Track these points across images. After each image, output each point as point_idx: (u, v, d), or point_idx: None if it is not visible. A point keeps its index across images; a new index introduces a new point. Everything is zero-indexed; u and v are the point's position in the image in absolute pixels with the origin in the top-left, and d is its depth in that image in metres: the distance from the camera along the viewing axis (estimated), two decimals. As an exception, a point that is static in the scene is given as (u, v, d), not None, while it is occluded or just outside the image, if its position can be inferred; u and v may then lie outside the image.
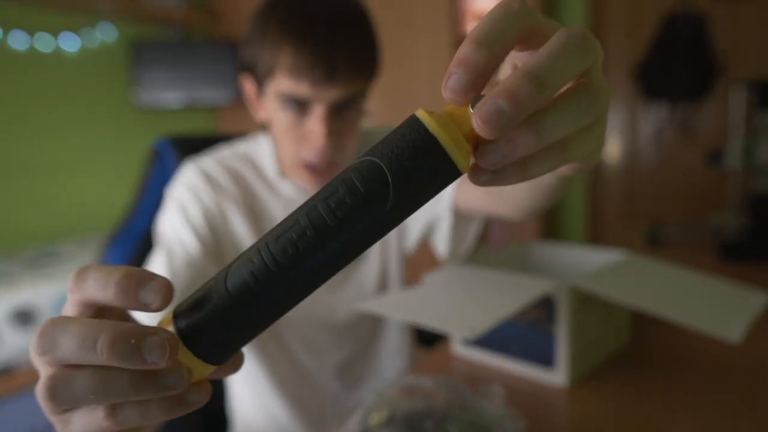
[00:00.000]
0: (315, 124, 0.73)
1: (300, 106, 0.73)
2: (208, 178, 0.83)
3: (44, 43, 2.56)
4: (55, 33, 2.60)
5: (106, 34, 2.79)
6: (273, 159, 0.85)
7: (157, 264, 0.76)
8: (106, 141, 2.83)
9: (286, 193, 0.85)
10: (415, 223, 0.91)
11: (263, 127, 0.86)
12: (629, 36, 3.01)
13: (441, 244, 0.87)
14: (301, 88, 0.70)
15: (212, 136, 1.05)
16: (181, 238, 0.78)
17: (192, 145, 1.00)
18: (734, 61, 2.77)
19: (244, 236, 0.83)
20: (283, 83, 0.72)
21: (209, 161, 0.85)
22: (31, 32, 2.51)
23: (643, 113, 3.06)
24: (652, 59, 2.89)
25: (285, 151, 0.79)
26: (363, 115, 0.80)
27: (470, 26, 2.98)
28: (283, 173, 0.85)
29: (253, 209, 0.85)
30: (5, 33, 2.44)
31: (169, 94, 2.95)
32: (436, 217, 0.87)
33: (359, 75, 0.72)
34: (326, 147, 0.73)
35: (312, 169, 0.77)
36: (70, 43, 2.67)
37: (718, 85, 2.81)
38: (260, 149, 0.88)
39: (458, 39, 2.75)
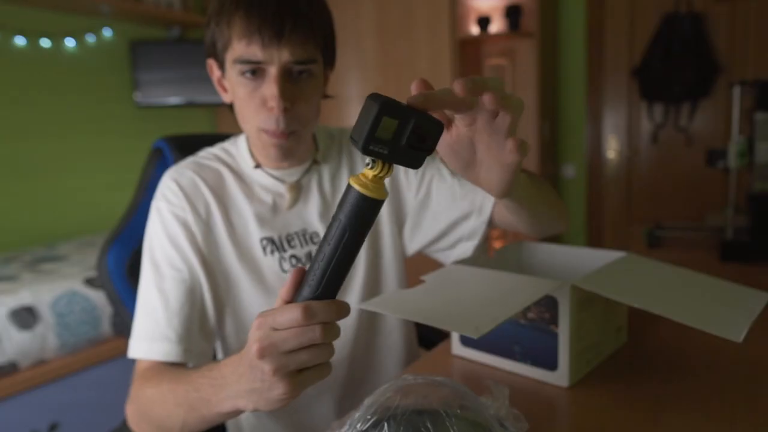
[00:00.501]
0: (269, 86, 0.76)
1: (254, 73, 0.77)
2: (182, 190, 0.85)
3: (45, 43, 2.56)
4: (56, 34, 2.60)
5: (106, 34, 2.79)
6: (247, 151, 0.89)
7: (151, 283, 0.80)
8: (106, 141, 2.82)
9: (257, 179, 0.88)
10: (438, 230, 0.93)
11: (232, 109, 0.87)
12: (629, 36, 3.01)
13: (468, 252, 0.91)
14: (252, 50, 0.75)
15: (212, 135, 1.05)
16: (169, 257, 0.81)
17: (192, 145, 0.99)
18: (734, 61, 2.77)
19: (221, 231, 0.85)
20: (237, 49, 0.76)
21: (185, 170, 0.87)
22: (33, 33, 2.51)
23: (643, 113, 3.06)
24: (652, 59, 2.89)
25: (247, 123, 0.82)
26: (321, 87, 0.83)
27: (471, 28, 2.99)
28: (257, 164, 0.88)
29: (224, 201, 0.87)
30: (7, 35, 2.44)
31: (169, 94, 2.95)
32: (473, 231, 0.90)
33: (308, 38, 0.76)
34: (281, 108, 0.76)
35: (272, 134, 0.80)
36: (70, 43, 2.67)
37: (717, 85, 2.81)
38: (238, 142, 0.92)
39: (458, 41, 2.75)
